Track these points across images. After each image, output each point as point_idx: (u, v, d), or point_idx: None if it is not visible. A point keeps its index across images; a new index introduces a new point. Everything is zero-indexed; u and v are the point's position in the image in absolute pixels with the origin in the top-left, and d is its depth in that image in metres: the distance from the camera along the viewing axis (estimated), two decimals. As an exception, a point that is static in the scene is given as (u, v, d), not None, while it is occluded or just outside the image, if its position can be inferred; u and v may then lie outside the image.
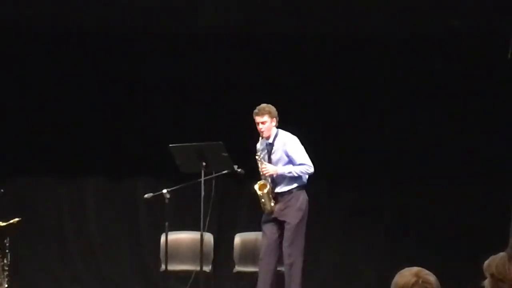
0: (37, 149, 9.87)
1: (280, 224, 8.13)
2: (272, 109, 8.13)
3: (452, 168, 9.77)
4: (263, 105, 8.13)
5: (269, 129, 8.15)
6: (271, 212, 8.11)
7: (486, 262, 3.63)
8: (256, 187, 8.13)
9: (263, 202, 8.12)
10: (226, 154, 8.10)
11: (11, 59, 9.75)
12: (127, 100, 9.96)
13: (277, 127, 8.19)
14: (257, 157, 8.16)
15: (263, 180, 8.14)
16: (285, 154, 8.15)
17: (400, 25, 9.39)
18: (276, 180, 8.16)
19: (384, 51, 9.82)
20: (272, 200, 8.11)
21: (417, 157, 9.80)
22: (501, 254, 3.58)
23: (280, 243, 8.12)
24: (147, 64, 9.94)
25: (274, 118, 8.13)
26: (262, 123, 8.10)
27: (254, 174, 8.19)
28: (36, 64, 9.86)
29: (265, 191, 8.09)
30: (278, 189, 8.15)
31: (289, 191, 8.13)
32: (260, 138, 8.17)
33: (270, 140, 8.19)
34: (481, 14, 8.88)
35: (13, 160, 9.78)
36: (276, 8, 9.10)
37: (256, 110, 8.12)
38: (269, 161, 8.17)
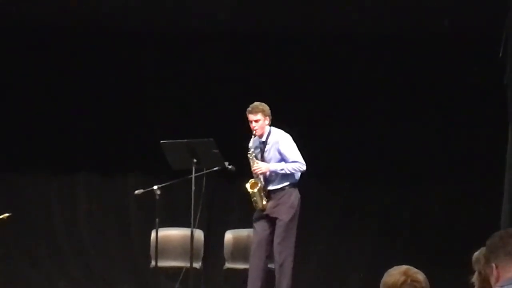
0: (28, 145, 9.83)
1: (272, 221, 8.13)
2: (266, 107, 8.11)
3: (444, 168, 9.78)
4: (257, 103, 8.12)
5: (262, 128, 8.13)
6: (264, 209, 8.11)
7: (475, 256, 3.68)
8: (248, 185, 8.12)
9: (255, 200, 8.12)
10: (217, 151, 8.10)
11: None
12: (118, 96, 9.92)
13: (270, 126, 8.18)
14: (249, 155, 8.15)
15: (255, 179, 8.13)
16: (277, 152, 8.14)
17: (390, 25, 9.38)
18: (268, 178, 8.15)
19: (375, 50, 9.80)
20: (264, 198, 8.10)
21: (409, 156, 9.79)
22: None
23: (271, 240, 8.12)
24: (140, 62, 9.90)
25: (267, 117, 8.11)
26: (256, 121, 8.09)
27: (245, 171, 8.18)
28: (25, 60, 9.80)
29: (257, 189, 8.08)
30: (271, 187, 8.15)
31: (282, 188, 8.13)
32: (253, 136, 8.16)
33: (263, 138, 8.18)
34: (472, 13, 8.88)
35: (3, 155, 9.74)
36: (267, 8, 9.09)
37: (249, 108, 8.10)
38: (262, 159, 8.17)
